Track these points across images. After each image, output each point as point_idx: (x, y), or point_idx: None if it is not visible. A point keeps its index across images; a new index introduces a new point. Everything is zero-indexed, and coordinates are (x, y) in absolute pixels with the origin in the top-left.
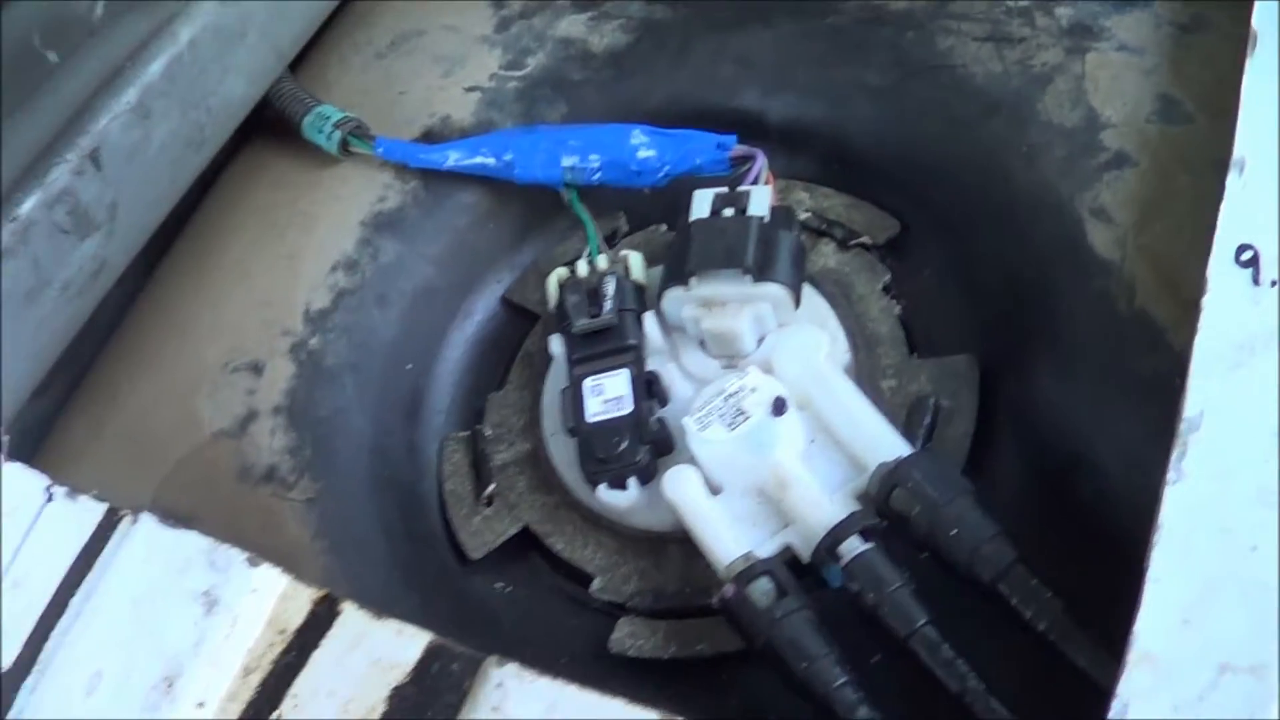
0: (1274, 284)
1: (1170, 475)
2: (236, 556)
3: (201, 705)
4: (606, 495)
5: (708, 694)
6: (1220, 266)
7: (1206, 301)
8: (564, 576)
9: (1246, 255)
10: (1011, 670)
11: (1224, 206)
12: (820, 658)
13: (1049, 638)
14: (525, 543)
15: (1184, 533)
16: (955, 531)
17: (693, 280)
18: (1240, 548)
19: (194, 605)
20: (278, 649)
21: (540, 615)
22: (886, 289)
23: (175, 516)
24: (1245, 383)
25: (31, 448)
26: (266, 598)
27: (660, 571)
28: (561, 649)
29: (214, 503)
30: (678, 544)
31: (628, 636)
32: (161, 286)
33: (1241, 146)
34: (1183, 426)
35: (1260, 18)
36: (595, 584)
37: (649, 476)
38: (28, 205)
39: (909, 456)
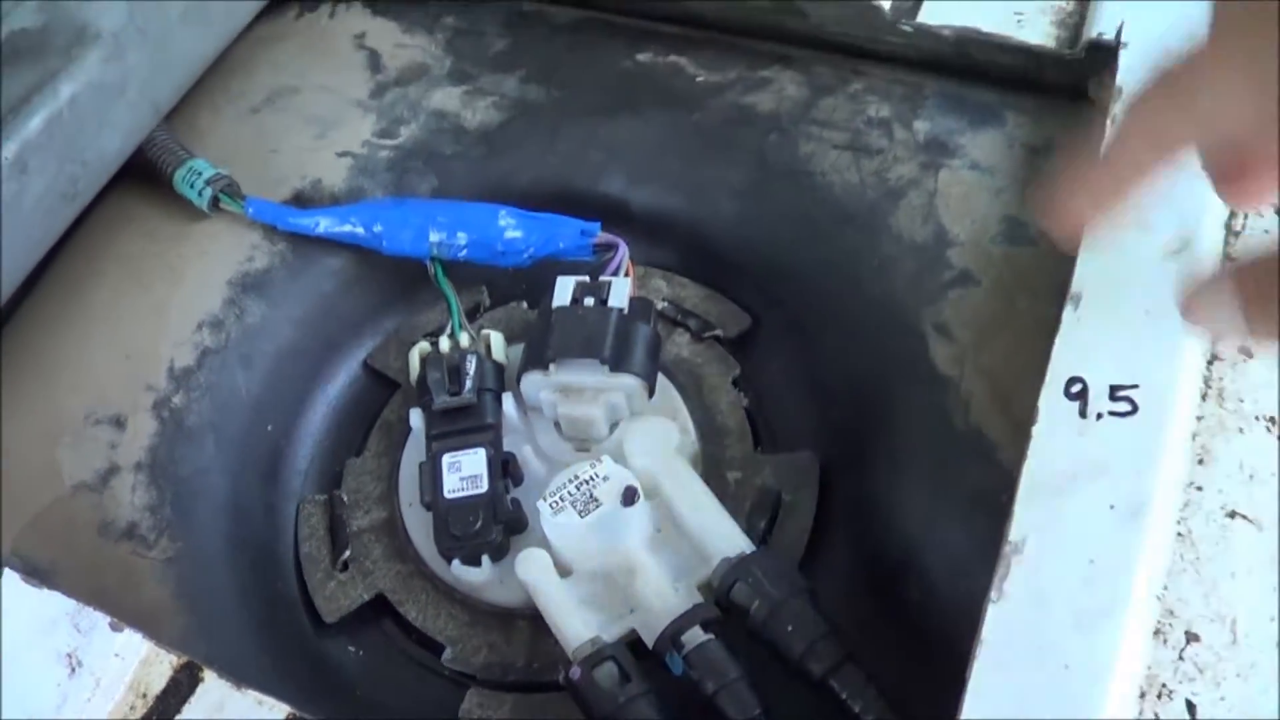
0: (1099, 417)
1: (993, 594)
2: (100, 620)
3: None
4: (461, 571)
5: None
6: (1051, 397)
7: (1036, 430)
8: (416, 644)
9: (1076, 388)
10: None
11: (1058, 340)
12: None
13: None
14: (379, 608)
15: (1002, 649)
16: (790, 628)
17: (552, 367)
18: (1054, 666)
19: (58, 666)
20: (139, 713)
21: (393, 681)
22: (736, 382)
23: (35, 569)
24: (1067, 511)
25: None
26: (129, 662)
27: (509, 645)
28: (413, 716)
29: (74, 557)
30: (526, 619)
31: (476, 707)
32: (23, 330)
33: (1079, 281)
34: (1007, 549)
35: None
36: (447, 654)
37: (502, 554)
38: None
39: (752, 554)
